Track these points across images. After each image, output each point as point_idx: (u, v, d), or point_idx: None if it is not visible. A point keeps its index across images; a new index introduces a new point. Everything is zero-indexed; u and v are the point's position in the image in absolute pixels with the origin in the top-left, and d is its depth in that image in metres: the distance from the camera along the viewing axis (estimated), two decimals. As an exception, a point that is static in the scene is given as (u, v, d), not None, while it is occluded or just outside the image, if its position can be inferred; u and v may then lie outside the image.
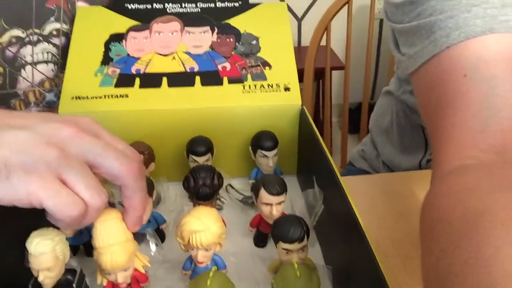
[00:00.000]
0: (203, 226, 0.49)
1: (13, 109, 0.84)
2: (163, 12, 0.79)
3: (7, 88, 0.82)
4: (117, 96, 0.70)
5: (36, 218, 0.55)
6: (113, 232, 0.47)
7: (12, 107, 0.84)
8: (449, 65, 0.51)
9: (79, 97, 0.69)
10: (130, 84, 0.71)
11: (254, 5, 0.80)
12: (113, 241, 0.47)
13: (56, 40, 0.83)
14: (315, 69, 1.44)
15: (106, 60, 0.73)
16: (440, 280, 0.34)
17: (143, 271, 0.51)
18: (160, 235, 0.61)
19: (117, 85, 0.71)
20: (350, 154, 1.08)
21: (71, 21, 0.81)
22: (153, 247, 0.58)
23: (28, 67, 0.83)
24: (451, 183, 0.43)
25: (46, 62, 0.85)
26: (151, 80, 0.71)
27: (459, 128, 0.47)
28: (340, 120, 2.61)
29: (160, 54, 0.74)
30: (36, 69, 0.84)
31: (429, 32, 0.53)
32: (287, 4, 0.83)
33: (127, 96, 0.70)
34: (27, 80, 0.83)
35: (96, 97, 0.69)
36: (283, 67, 0.73)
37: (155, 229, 0.60)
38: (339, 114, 2.68)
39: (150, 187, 0.58)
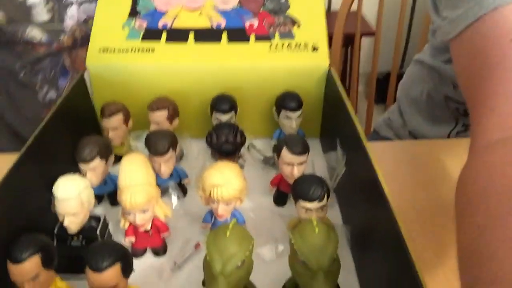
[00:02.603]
0: (225, 180, 0.50)
1: (62, 45, 0.92)
2: (191, -34, 0.77)
3: (56, 23, 0.90)
4: (143, 50, 0.69)
5: (64, 164, 0.57)
6: (136, 173, 0.48)
7: (61, 42, 0.91)
8: (494, 29, 0.47)
9: (106, 50, 0.69)
10: (157, 38, 0.70)
11: (285, -39, 0.77)
12: (135, 182, 0.48)
13: None
14: (344, 34, 1.39)
15: (133, 12, 0.73)
16: (476, 259, 0.32)
17: (164, 220, 0.53)
18: (182, 189, 0.62)
19: (144, 38, 0.70)
20: (375, 123, 1.06)
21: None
22: (174, 199, 0.59)
23: (74, 6, 0.91)
24: (491, 156, 0.39)
25: (90, 1, 0.92)
26: (177, 35, 0.71)
27: (503, 97, 0.43)
28: (366, 90, 2.55)
29: (188, 9, 0.73)
30: (81, 9, 0.91)
31: None
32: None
33: (153, 50, 0.69)
34: (72, 19, 0.91)
35: (122, 50, 0.69)
36: (312, 26, 0.71)
37: (177, 183, 0.61)
38: (365, 83, 2.62)
39: (174, 142, 0.59)
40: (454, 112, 0.83)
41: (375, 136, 1.01)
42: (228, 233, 0.42)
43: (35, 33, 0.88)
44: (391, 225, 0.40)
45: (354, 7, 1.38)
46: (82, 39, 0.93)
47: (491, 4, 0.47)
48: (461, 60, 0.53)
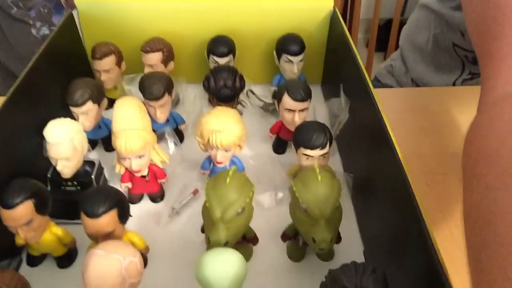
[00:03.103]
0: (224, 127, 0.48)
1: None
2: None
3: None
4: (135, -13, 0.65)
5: (54, 108, 0.54)
6: (131, 118, 0.46)
7: None
8: None
9: (95, -14, 0.65)
10: (150, -26, 0.66)
11: None
12: (130, 126, 0.46)
13: None
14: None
15: None
16: (483, 219, 0.30)
17: (161, 166, 0.51)
18: (179, 135, 0.60)
19: (136, -26, 0.65)
20: (377, 70, 1.03)
21: None
22: (171, 146, 0.58)
23: None
24: (502, 111, 0.37)
25: None
26: (172, -29, 0.66)
27: None
28: (366, 37, 2.48)
29: None
30: None
31: None
32: None
33: (146, -13, 0.65)
34: None
35: (113, -13, 0.65)
36: (316, -37, 0.66)
37: (173, 129, 0.59)
38: (365, 30, 2.54)
39: (169, 85, 0.56)
40: (461, 60, 0.80)
41: (376, 83, 0.99)
42: (228, 180, 0.40)
43: None
44: (397, 173, 0.39)
45: None
46: None
47: None
48: (471, 8, 0.50)
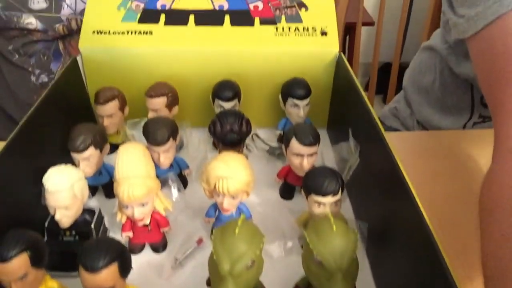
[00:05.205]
0: (231, 173, 0.46)
1: (57, 33, 0.89)
2: None
3: (52, 12, 0.86)
4: (140, 33, 0.65)
5: (55, 154, 0.52)
6: (135, 164, 0.44)
7: (56, 31, 0.87)
8: None
9: (100, 32, 0.65)
10: (155, 20, 0.66)
11: None
12: (133, 173, 0.44)
13: None
14: (344, 23, 1.36)
15: (130, -7, 0.68)
16: (500, 267, 0.31)
17: (164, 213, 0.49)
18: (183, 181, 0.58)
19: (141, 20, 0.66)
20: (381, 113, 1.02)
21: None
22: (175, 192, 0.55)
23: None
24: None
25: None
26: (177, 17, 0.66)
27: None
28: (364, 81, 2.52)
29: (188, -11, 0.69)
30: None
31: None
32: None
33: (151, 33, 0.65)
34: (70, 8, 0.87)
35: (118, 33, 0.65)
36: (320, 9, 0.67)
37: (177, 174, 0.57)
38: (363, 74, 2.59)
39: (174, 130, 0.55)
40: (470, 101, 0.79)
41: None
42: (237, 231, 0.38)
43: (30, 20, 0.84)
44: (416, 220, 0.37)
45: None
46: (78, 30, 0.89)
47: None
48: (480, 59, 0.52)
